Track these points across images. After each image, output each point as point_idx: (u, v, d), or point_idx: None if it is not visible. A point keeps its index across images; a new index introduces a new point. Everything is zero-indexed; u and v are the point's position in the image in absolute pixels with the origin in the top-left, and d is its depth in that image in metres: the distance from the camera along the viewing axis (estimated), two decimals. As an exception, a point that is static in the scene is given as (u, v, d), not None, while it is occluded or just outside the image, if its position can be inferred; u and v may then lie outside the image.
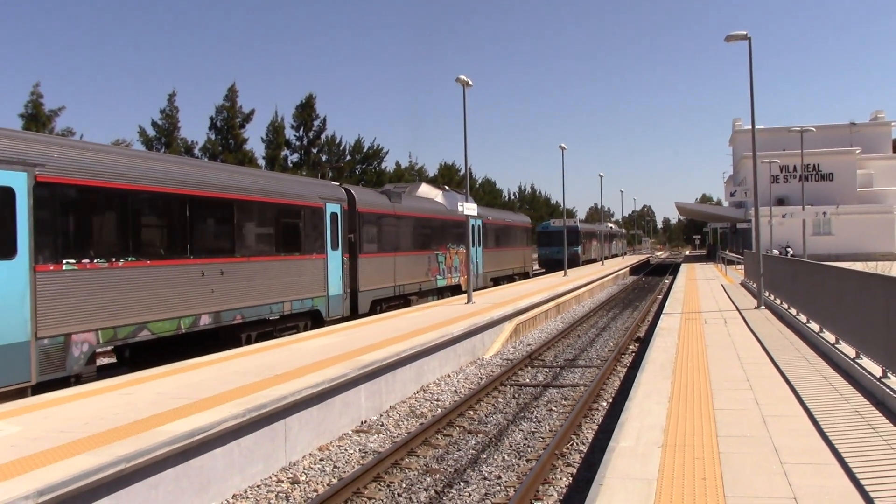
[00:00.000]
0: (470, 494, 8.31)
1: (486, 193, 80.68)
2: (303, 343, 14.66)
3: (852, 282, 11.28)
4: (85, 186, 11.61)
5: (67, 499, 6.15)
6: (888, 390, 8.75)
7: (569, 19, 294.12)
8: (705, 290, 28.22)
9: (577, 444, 10.17)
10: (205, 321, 14.04)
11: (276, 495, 8.36)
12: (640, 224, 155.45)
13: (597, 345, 20.03)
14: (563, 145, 41.45)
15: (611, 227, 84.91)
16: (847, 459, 6.68)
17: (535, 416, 11.86)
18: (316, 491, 8.51)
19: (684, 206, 75.28)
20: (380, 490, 8.49)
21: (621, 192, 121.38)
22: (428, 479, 8.85)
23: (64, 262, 11.05)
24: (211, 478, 8.01)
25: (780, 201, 55.42)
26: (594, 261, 64.61)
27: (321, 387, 10.18)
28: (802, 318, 16.00)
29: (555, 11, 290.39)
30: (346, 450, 10.08)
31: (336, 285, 19.20)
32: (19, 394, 10.11)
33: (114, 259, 12.04)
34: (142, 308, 12.50)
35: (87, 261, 11.48)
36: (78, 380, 11.17)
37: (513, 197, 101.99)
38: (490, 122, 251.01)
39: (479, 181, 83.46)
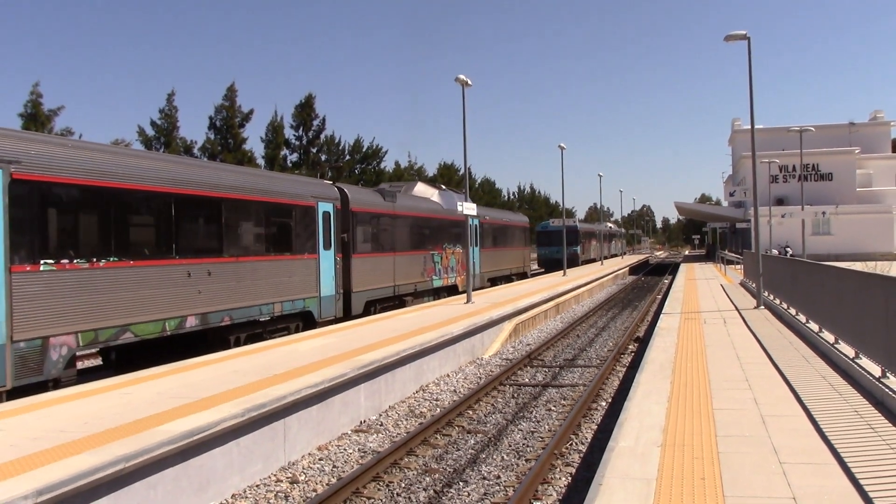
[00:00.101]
0: (469, 494, 8.31)
1: (486, 193, 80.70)
2: (301, 343, 14.65)
3: (851, 282, 11.29)
4: (64, 184, 11.27)
5: (67, 498, 6.15)
6: (887, 390, 8.75)
7: (568, 19, 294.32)
8: (704, 290, 28.23)
9: (577, 443, 10.18)
10: (191, 323, 13.74)
11: (275, 495, 8.35)
12: (639, 224, 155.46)
13: (596, 345, 20.03)
14: (562, 145, 41.47)
15: (610, 227, 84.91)
16: (846, 459, 6.69)
17: (535, 416, 11.86)
18: (315, 490, 8.51)
19: (683, 206, 75.28)
20: (379, 490, 8.49)
21: (621, 191, 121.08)
22: (427, 478, 8.85)
23: (41, 262, 10.72)
24: (210, 477, 8.01)
25: (780, 201, 55.41)
26: (593, 260, 64.62)
27: (320, 386, 10.18)
28: (802, 318, 16.01)
29: (554, 11, 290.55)
30: (345, 449, 10.08)
31: (328, 286, 18.89)
32: None
33: (95, 259, 11.70)
34: (124, 310, 12.17)
35: (66, 261, 11.15)
36: (56, 384, 10.85)
37: (512, 197, 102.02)
38: (489, 122, 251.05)
39: (479, 181, 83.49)
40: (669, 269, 64.43)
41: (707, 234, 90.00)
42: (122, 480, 6.80)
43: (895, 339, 8.64)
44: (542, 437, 10.60)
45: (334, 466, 9.40)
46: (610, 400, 12.86)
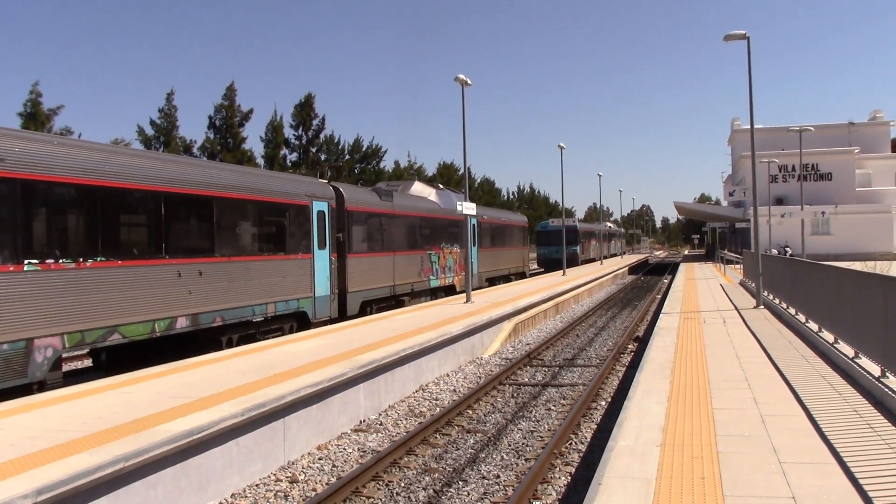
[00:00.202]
0: (469, 494, 8.31)
1: (485, 193, 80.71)
2: (301, 343, 14.65)
3: (851, 281, 11.29)
4: (49, 182, 11.01)
5: (66, 498, 6.15)
6: (887, 390, 8.76)
7: (568, 19, 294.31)
8: (704, 290, 28.23)
9: (576, 443, 10.18)
10: (182, 324, 13.52)
11: (274, 494, 8.35)
12: (638, 223, 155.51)
13: (596, 344, 20.03)
14: (561, 145, 41.48)
15: (609, 227, 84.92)
16: (846, 459, 6.69)
17: (534, 416, 11.86)
18: (315, 490, 8.51)
19: (683, 206, 75.30)
20: (378, 489, 8.49)
21: (620, 191, 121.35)
22: (427, 478, 8.85)
23: (25, 262, 10.52)
24: (210, 477, 8.01)
25: (779, 201, 55.42)
26: (593, 260, 64.63)
27: (320, 386, 10.18)
28: (801, 317, 16.01)
29: (554, 11, 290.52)
30: (344, 449, 10.08)
31: (323, 286, 18.65)
32: None
33: (81, 259, 11.46)
34: (112, 311, 11.94)
35: (51, 261, 10.91)
36: (41, 387, 10.65)
37: (512, 196, 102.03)
38: (489, 122, 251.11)
39: (478, 181, 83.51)
40: (669, 268, 64.44)
41: (706, 234, 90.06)
42: (121, 480, 6.79)
43: (894, 338, 8.64)
44: (541, 437, 10.60)
45: (334, 466, 9.40)
46: (609, 399, 12.87)
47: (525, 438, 10.55)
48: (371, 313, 21.50)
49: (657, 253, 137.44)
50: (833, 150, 58.65)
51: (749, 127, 21.90)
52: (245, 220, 15.99)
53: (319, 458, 9.64)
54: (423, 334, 15.06)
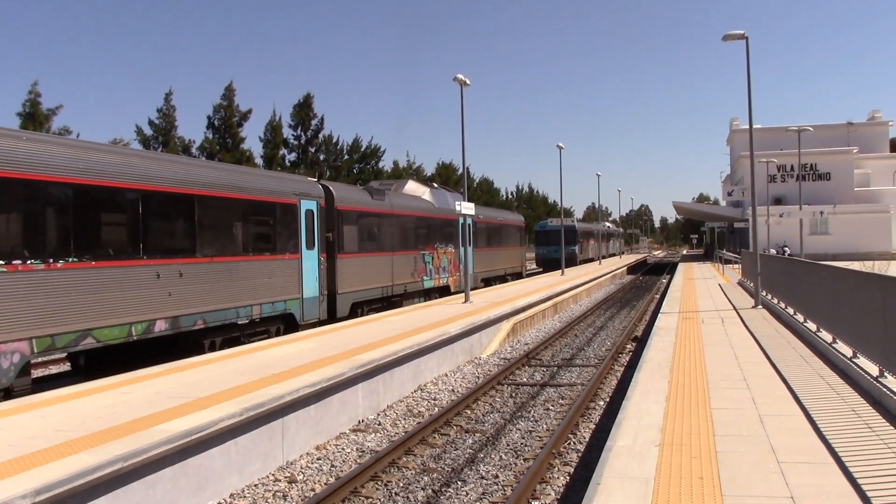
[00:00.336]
0: (467, 494, 8.31)
1: (484, 193, 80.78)
2: (300, 342, 14.64)
3: (849, 281, 11.30)
4: (16, 179, 10.48)
5: (65, 498, 6.14)
6: (885, 389, 8.76)
7: (567, 18, 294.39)
8: (703, 290, 28.25)
9: (575, 443, 10.18)
10: (160, 327, 13.06)
11: (273, 494, 8.35)
12: (637, 223, 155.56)
13: (594, 344, 20.03)
14: (560, 144, 41.50)
15: (608, 227, 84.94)
16: (844, 458, 6.69)
17: (533, 416, 11.86)
18: (313, 490, 8.51)
19: (682, 206, 75.32)
20: (377, 489, 8.49)
21: (619, 191, 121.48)
22: (425, 478, 8.85)
23: None
24: (208, 477, 8.00)
25: (778, 201, 55.47)
26: (592, 260, 64.63)
27: (319, 386, 10.17)
28: (800, 317, 16.02)
29: (553, 11, 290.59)
30: (343, 449, 10.07)
31: (312, 287, 18.15)
32: None
33: (51, 260, 10.95)
34: (85, 314, 11.44)
35: (18, 262, 10.41)
36: (8, 394, 10.25)
37: (510, 196, 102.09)
38: (488, 122, 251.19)
39: (477, 180, 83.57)
40: (667, 268, 64.47)
41: (705, 234, 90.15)
42: (120, 480, 6.79)
43: (893, 338, 8.65)
44: (540, 437, 10.61)
45: (332, 466, 9.40)
46: (608, 399, 12.87)
47: (524, 438, 10.55)
48: (363, 315, 21.11)
49: (656, 253, 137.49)
50: (832, 150, 58.66)
51: (748, 127, 21.91)
52: (229, 219, 15.47)
53: (318, 458, 9.63)
54: (421, 334, 15.06)
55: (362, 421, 11.49)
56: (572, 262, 54.51)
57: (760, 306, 20.68)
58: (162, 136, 43.27)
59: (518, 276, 40.41)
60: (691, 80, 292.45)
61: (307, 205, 18.26)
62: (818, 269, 14.24)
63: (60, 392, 10.10)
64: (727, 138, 74.46)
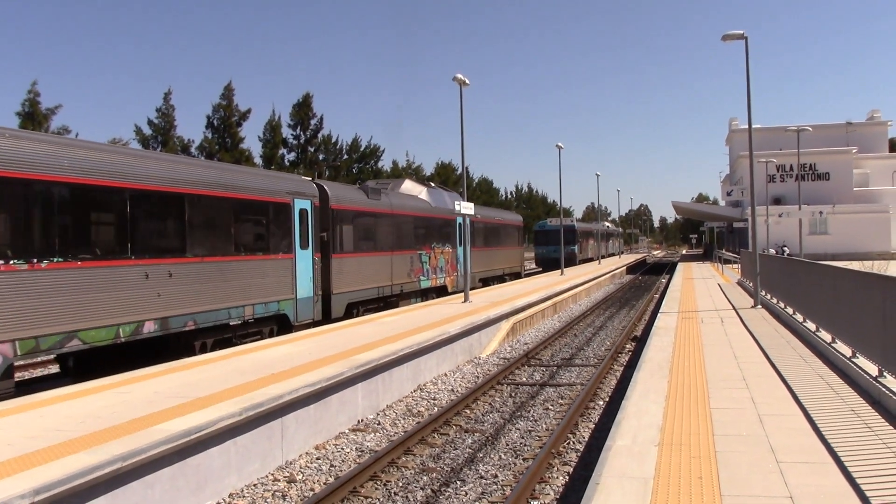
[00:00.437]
0: (466, 493, 8.31)
1: (483, 192, 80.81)
2: (298, 343, 14.63)
3: (848, 281, 11.30)
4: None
5: (64, 497, 6.14)
6: (884, 389, 8.77)
7: (566, 18, 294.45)
8: (702, 290, 28.25)
9: (574, 442, 10.18)
10: (149, 328, 12.80)
11: (272, 494, 8.34)
12: (636, 223, 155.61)
13: (593, 344, 20.03)
14: (560, 144, 41.48)
15: (607, 227, 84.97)
16: (843, 458, 6.69)
17: (532, 415, 11.86)
18: (313, 490, 8.51)
19: (681, 206, 75.36)
20: (376, 489, 8.48)
21: (618, 191, 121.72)
22: (424, 477, 8.85)
23: None
24: (207, 476, 8.00)
25: (777, 200, 55.50)
26: (591, 260, 64.65)
27: (318, 385, 10.17)
28: (799, 317, 16.03)
29: (552, 10, 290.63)
30: (342, 448, 10.07)
31: (306, 287, 17.88)
32: None
33: (35, 260, 10.71)
34: (71, 315, 11.19)
35: (0, 262, 10.26)
36: None
37: (510, 196, 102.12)
38: (487, 122, 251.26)
39: (476, 180, 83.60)
40: (667, 268, 64.47)
41: (704, 234, 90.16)
42: (119, 480, 6.79)
43: (892, 338, 8.65)
44: (539, 437, 10.60)
45: (332, 465, 9.39)
46: (607, 399, 12.87)
47: (523, 438, 10.55)
48: (358, 316, 20.87)
49: (655, 252, 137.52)
50: (831, 150, 58.70)
51: (747, 127, 21.91)
52: (220, 219, 15.18)
53: (317, 458, 9.63)
54: (420, 334, 15.05)
55: (362, 421, 11.48)
56: (572, 261, 54.52)
57: (760, 306, 20.69)
58: (161, 135, 43.25)
59: (516, 276, 40.18)
60: (691, 80, 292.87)
61: (301, 204, 18.02)
62: (817, 268, 14.25)
63: (59, 392, 10.10)
64: (726, 138, 74.49)
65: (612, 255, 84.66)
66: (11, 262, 10.45)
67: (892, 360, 8.77)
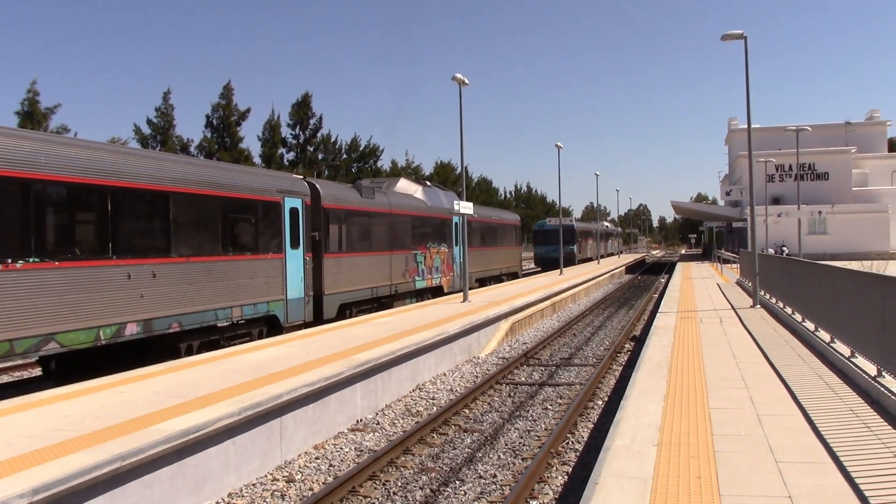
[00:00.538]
0: (465, 493, 8.31)
1: (483, 192, 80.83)
2: (295, 343, 14.63)
3: (847, 281, 11.31)
4: None
5: (63, 497, 6.13)
6: (883, 389, 8.77)
7: (566, 18, 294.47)
8: (701, 289, 28.26)
9: (573, 442, 10.18)
10: (132, 330, 12.46)
11: (271, 494, 8.34)
12: (635, 223, 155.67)
13: (592, 343, 20.04)
14: (559, 144, 41.49)
15: (606, 226, 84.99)
16: (842, 458, 6.70)
17: (531, 415, 11.86)
18: (311, 489, 8.50)
19: (680, 205, 75.38)
20: (375, 489, 8.48)
21: (617, 190, 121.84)
22: (423, 477, 8.85)
23: None
24: (206, 476, 8.00)
25: (776, 200, 55.53)
26: (590, 259, 64.66)
27: (317, 385, 10.17)
28: (798, 317, 16.03)
29: (552, 10, 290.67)
30: (341, 448, 10.07)
31: (296, 288, 17.53)
32: None
33: (10, 260, 10.37)
34: (48, 317, 10.83)
35: None
36: None
37: (509, 196, 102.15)
38: (487, 121, 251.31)
39: (476, 180, 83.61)
40: (666, 268, 64.47)
41: (703, 234, 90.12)
42: (118, 479, 6.78)
43: (891, 338, 8.65)
44: (538, 436, 10.60)
45: (331, 465, 9.39)
46: (606, 399, 12.87)
47: (522, 438, 10.55)
48: (351, 317, 20.54)
49: (654, 252, 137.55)
50: (830, 150, 58.75)
51: (746, 126, 21.91)
52: (207, 217, 14.81)
53: (316, 458, 9.63)
54: (419, 333, 15.05)
55: (360, 420, 11.48)
56: (571, 261, 54.56)
57: (759, 306, 20.69)
58: (160, 135, 43.21)
59: (514, 276, 39.85)
60: (690, 80, 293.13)
61: (291, 202, 17.68)
62: (816, 268, 14.26)
63: (58, 391, 10.09)
64: (725, 138, 74.54)
65: (611, 254, 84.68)
66: None
67: (890, 359, 8.78)
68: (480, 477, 8.84)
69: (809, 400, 9.06)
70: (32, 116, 35.24)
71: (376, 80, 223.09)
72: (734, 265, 43.74)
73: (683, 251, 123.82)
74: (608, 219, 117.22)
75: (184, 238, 13.99)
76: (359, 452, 9.93)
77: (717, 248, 60.70)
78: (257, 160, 47.60)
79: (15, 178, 10.63)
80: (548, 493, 8.19)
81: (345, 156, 55.38)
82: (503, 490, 8.37)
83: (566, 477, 8.73)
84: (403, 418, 11.78)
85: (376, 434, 10.82)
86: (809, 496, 5.81)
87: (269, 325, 16.81)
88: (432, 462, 9.46)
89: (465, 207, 23.29)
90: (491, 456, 9.69)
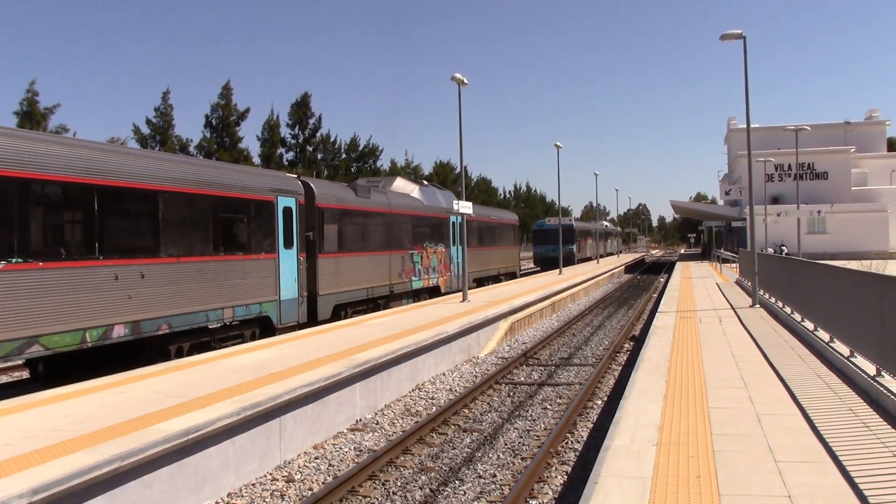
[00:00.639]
0: (465, 493, 8.31)
1: (482, 192, 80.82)
2: (297, 342, 14.62)
3: (847, 280, 11.31)
4: None
5: (62, 497, 6.13)
6: (882, 388, 8.77)
7: (565, 17, 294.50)
8: (700, 289, 28.27)
9: (573, 442, 10.18)
10: (119, 332, 12.18)
11: (271, 494, 8.34)
12: (635, 222, 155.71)
13: (592, 343, 20.04)
14: (558, 143, 41.48)
15: (606, 226, 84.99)
16: (841, 458, 6.70)
17: (531, 415, 11.86)
18: (311, 489, 8.50)
19: (679, 205, 75.36)
20: (375, 488, 8.48)
21: (616, 190, 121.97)
22: (423, 477, 8.85)
23: None
24: (206, 476, 8.00)
25: (775, 200, 55.54)
26: (589, 259, 64.67)
27: (316, 385, 10.17)
28: (797, 316, 16.04)
29: (552, 10, 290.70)
30: (341, 448, 10.07)
31: (290, 288, 17.25)
32: None
33: None
34: (31, 319, 10.57)
35: None
36: None
37: (508, 195, 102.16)
38: (486, 121, 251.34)
39: (475, 180, 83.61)
40: (665, 267, 64.50)
41: (703, 233, 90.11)
42: (117, 479, 6.78)
43: (890, 337, 8.66)
44: (537, 436, 10.61)
45: (330, 465, 9.39)
46: (606, 398, 12.87)
47: (521, 437, 10.56)
48: (346, 318, 20.16)
49: (653, 252, 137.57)
50: (829, 150, 58.76)
51: (745, 126, 21.91)
52: (197, 217, 14.54)
53: (316, 458, 9.63)
54: (418, 333, 15.05)
55: (360, 420, 11.48)
56: (570, 261, 54.57)
57: (758, 305, 20.70)
58: (159, 135, 43.18)
59: (512, 276, 39.64)
60: (689, 80, 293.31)
61: (285, 202, 17.37)
62: (816, 268, 14.26)
63: (57, 391, 10.08)
64: (725, 137, 74.55)
65: (611, 254, 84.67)
66: None
67: (889, 359, 8.78)
68: (480, 477, 8.84)
69: (809, 399, 9.07)
70: (31, 116, 35.19)
71: (376, 79, 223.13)
72: (733, 265, 43.76)
73: (683, 251, 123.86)
74: (607, 218, 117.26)
75: (173, 238, 13.74)
76: (358, 452, 9.93)
77: (717, 248, 60.71)
78: (256, 160, 47.58)
79: None
80: (547, 493, 8.19)
81: (344, 156, 55.34)
82: (503, 490, 8.37)
83: (565, 477, 8.73)
84: (403, 418, 11.78)
85: (376, 434, 10.82)
86: (809, 496, 5.81)
87: (262, 327, 16.56)
88: (432, 462, 9.46)
89: (465, 207, 23.27)
90: (490, 456, 9.69)
